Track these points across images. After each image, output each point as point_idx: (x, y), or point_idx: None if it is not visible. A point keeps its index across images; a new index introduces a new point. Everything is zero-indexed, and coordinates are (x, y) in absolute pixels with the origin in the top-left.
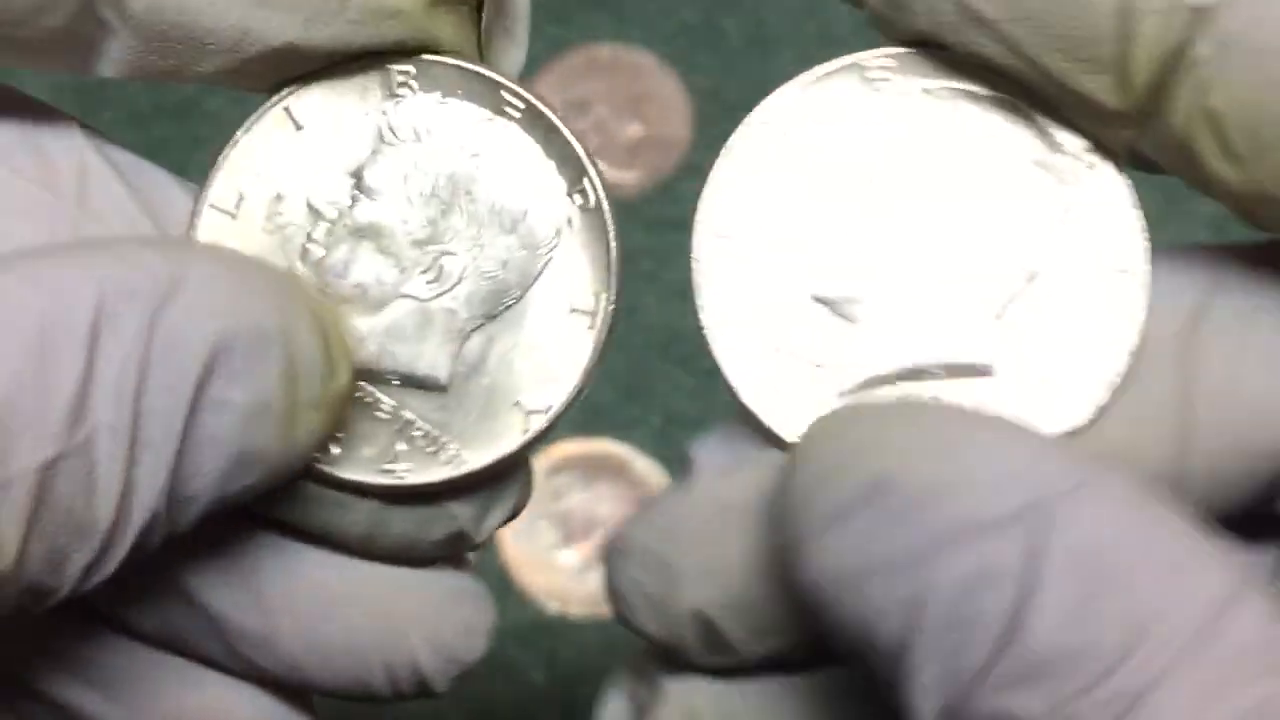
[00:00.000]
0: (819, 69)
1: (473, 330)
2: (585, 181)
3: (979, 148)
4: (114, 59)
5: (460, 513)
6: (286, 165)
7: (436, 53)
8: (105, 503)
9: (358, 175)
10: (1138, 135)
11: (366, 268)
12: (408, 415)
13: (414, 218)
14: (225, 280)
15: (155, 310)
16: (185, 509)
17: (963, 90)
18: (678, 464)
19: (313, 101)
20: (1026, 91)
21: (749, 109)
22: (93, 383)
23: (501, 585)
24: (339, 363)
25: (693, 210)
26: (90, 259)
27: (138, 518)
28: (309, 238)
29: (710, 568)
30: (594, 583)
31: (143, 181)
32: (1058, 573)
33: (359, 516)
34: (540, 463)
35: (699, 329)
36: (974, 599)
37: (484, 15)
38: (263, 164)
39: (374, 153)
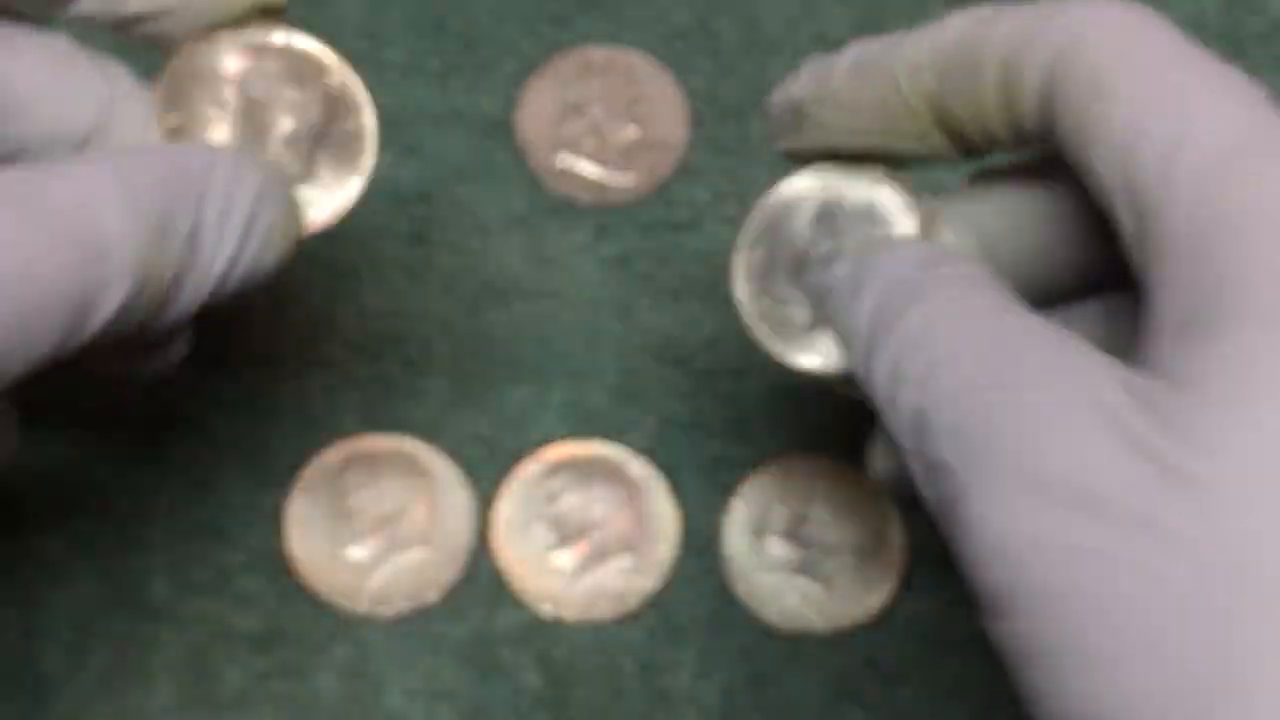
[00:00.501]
0: None
1: None
2: None
3: None
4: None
5: None
6: None
7: None
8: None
9: None
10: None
11: None
12: None
13: None
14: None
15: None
16: None
17: None
18: (674, 468)
19: None
20: None
21: (746, 111)
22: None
23: (495, 588)
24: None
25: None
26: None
27: None
28: None
29: None
30: (589, 585)
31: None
32: None
33: None
34: (534, 465)
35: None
36: None
37: None
38: None
39: None
